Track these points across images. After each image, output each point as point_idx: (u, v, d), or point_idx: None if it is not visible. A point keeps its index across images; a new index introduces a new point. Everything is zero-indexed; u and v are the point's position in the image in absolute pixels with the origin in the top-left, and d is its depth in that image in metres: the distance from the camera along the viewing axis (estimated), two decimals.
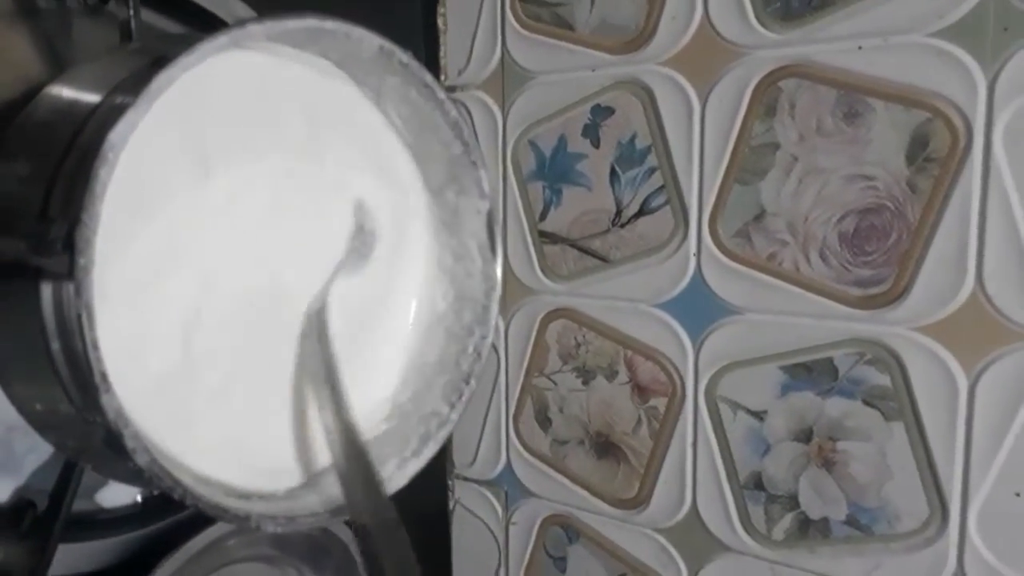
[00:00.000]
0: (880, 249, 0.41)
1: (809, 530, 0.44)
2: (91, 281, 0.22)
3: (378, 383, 0.33)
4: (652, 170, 0.49)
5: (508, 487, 0.58)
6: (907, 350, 0.41)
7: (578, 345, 0.53)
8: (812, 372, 0.44)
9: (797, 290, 0.44)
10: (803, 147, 0.43)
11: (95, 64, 0.30)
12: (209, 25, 0.39)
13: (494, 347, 0.55)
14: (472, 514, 0.59)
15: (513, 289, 0.55)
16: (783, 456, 0.45)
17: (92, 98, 0.26)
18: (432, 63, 0.57)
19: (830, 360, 0.43)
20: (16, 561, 0.31)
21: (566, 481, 0.54)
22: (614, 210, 0.51)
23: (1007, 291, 0.38)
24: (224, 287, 0.29)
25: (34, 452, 0.33)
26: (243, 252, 0.30)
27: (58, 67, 0.34)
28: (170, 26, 0.38)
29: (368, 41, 0.28)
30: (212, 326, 0.28)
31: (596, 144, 0.51)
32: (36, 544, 0.30)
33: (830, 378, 0.43)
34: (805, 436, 0.44)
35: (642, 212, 0.50)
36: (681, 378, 0.48)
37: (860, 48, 0.41)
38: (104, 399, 0.22)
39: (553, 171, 0.53)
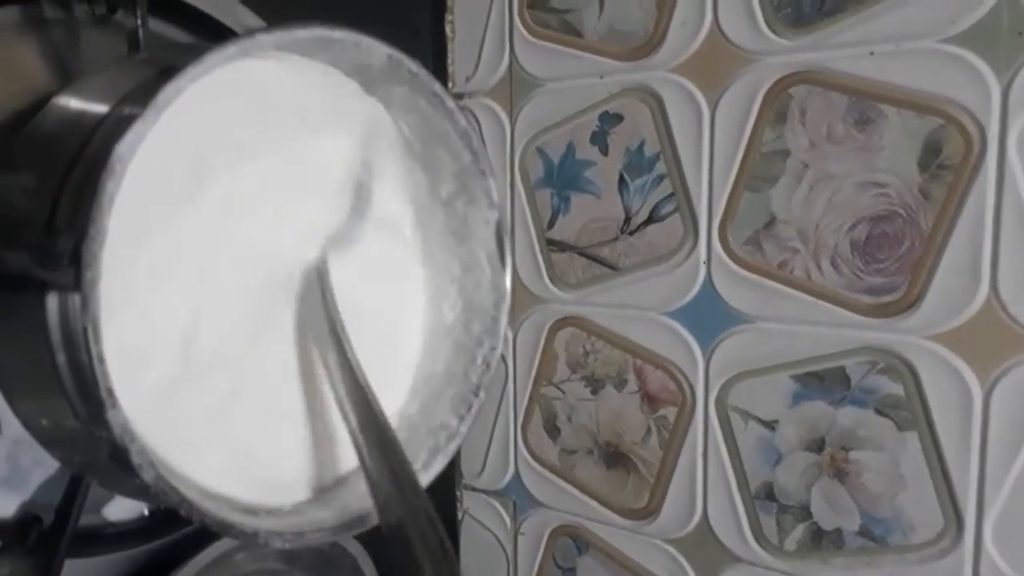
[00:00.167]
0: (892, 257, 0.41)
1: (822, 541, 0.44)
2: (98, 295, 0.22)
3: (386, 395, 0.32)
4: (661, 177, 0.49)
5: (516, 497, 0.57)
6: (920, 359, 0.40)
7: (587, 354, 0.53)
8: (824, 381, 0.43)
9: (808, 298, 0.43)
10: (814, 154, 0.43)
11: (102, 74, 0.30)
12: (216, 33, 0.39)
13: (502, 356, 0.54)
14: (480, 524, 0.59)
15: (521, 297, 0.55)
16: (795, 466, 0.45)
17: (99, 109, 0.26)
18: (440, 70, 0.57)
19: (842, 369, 0.43)
20: None
21: (575, 491, 0.54)
22: (623, 218, 0.51)
23: (1022, 299, 0.37)
24: (225, 295, 0.28)
25: (40, 466, 0.33)
26: (244, 258, 0.29)
27: (65, 77, 0.34)
28: (178, 35, 0.38)
29: (377, 50, 0.27)
30: (213, 335, 0.28)
31: (604, 151, 0.51)
32: (42, 560, 0.30)
33: (842, 387, 0.43)
34: (817, 446, 0.44)
35: (651, 220, 0.49)
36: (691, 387, 0.48)
37: (872, 54, 0.41)
38: (110, 414, 0.22)
39: (561, 178, 0.53)
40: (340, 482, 0.31)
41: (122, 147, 0.22)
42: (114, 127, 0.24)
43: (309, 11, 0.46)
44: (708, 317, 0.47)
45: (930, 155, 0.40)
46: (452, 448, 0.31)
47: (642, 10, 0.49)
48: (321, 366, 0.29)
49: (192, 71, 0.24)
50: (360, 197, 0.32)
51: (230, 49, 0.25)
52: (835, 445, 0.43)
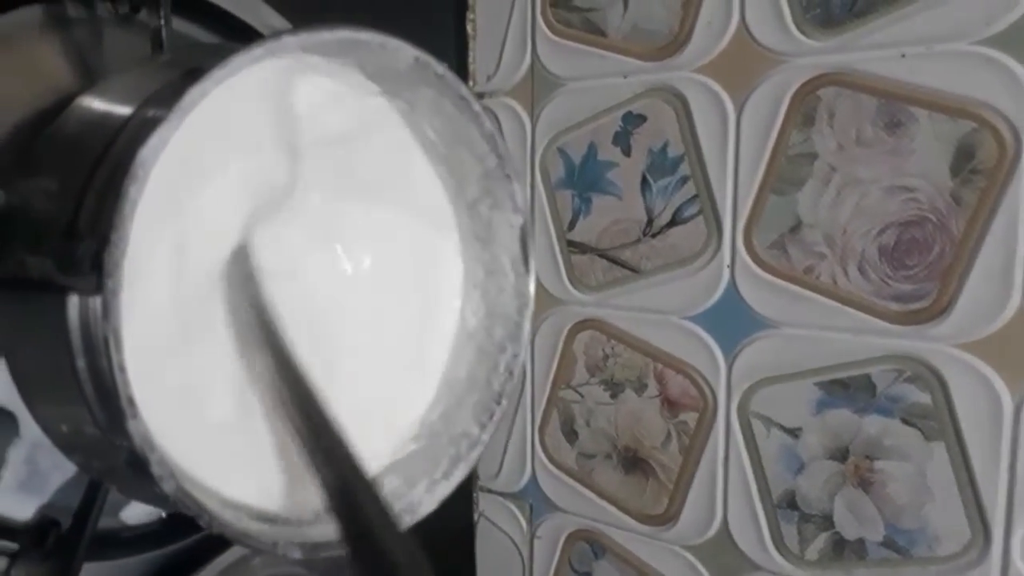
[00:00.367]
0: (922, 263, 0.40)
1: (844, 551, 0.43)
2: (119, 303, 0.21)
3: (408, 402, 0.32)
4: (685, 179, 0.48)
5: (533, 500, 0.57)
6: (949, 368, 0.39)
7: (606, 357, 0.52)
8: (849, 389, 0.43)
9: (835, 304, 0.43)
10: (842, 157, 0.42)
11: (126, 75, 0.29)
12: (239, 32, 0.39)
13: None
14: (496, 527, 0.59)
15: (540, 299, 0.54)
16: (818, 474, 0.44)
17: (123, 111, 0.26)
18: (461, 69, 0.57)
19: (868, 377, 0.42)
20: None
21: (593, 496, 0.53)
22: (645, 220, 0.50)
23: None
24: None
25: (59, 469, 0.33)
26: (268, 266, 0.29)
27: (88, 77, 0.34)
28: (201, 34, 0.38)
29: (403, 52, 0.27)
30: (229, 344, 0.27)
31: (627, 152, 0.50)
32: (60, 564, 0.30)
33: (868, 395, 0.42)
34: (841, 454, 0.43)
35: (674, 222, 0.49)
36: (713, 393, 0.47)
37: (903, 56, 0.40)
38: (131, 424, 0.21)
39: (583, 179, 0.53)
40: None
41: (145, 152, 0.22)
42: (138, 130, 0.23)
43: (329, 9, 0.45)
44: (731, 322, 0.46)
45: (962, 160, 0.39)
46: (474, 457, 0.30)
47: (667, 9, 0.48)
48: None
49: (217, 73, 0.23)
50: (387, 197, 0.31)
51: (256, 51, 0.24)
52: (859, 454, 0.42)
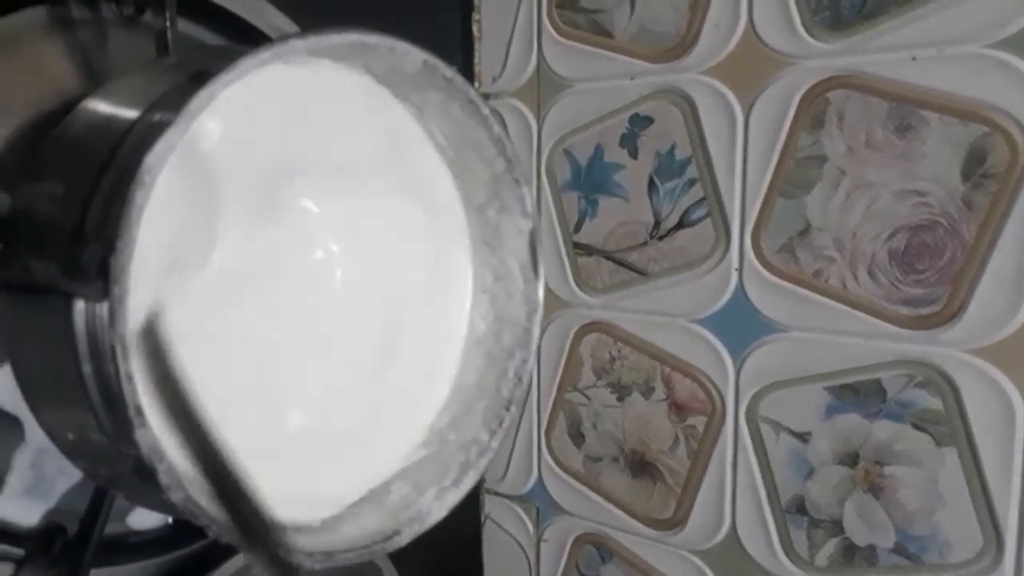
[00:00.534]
0: (932, 267, 0.40)
1: (854, 557, 0.43)
2: (126, 311, 0.21)
3: (417, 407, 0.32)
4: (692, 182, 0.48)
5: (540, 503, 0.56)
6: (960, 373, 0.39)
7: (613, 360, 0.52)
8: (859, 394, 0.42)
9: (844, 308, 0.42)
10: (852, 160, 0.42)
11: (131, 78, 0.29)
12: (245, 34, 0.39)
13: None
14: (503, 530, 0.58)
15: (547, 301, 0.53)
16: (827, 480, 0.44)
17: (129, 114, 0.26)
18: (467, 70, 0.56)
19: (878, 381, 0.42)
20: None
21: (599, 499, 0.53)
22: (652, 222, 0.50)
23: None
24: (258, 309, 0.28)
25: (65, 475, 0.32)
26: (277, 272, 0.29)
27: (93, 79, 0.33)
28: (207, 36, 0.37)
29: (412, 56, 0.27)
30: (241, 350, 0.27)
31: (634, 154, 0.50)
32: (66, 570, 0.30)
33: (878, 400, 0.42)
34: (851, 460, 0.43)
35: (681, 225, 0.48)
36: (721, 397, 0.47)
37: (914, 59, 0.40)
38: (139, 434, 0.21)
39: (589, 181, 0.52)
40: (371, 495, 0.30)
41: (152, 157, 0.22)
42: (144, 135, 0.23)
43: (335, 10, 0.45)
44: (739, 325, 0.46)
45: (973, 164, 0.38)
46: (483, 464, 0.30)
47: (674, 11, 0.48)
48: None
49: (224, 77, 0.23)
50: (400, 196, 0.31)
51: (263, 54, 0.24)
52: (869, 459, 0.42)
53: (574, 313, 0.54)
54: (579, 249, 0.53)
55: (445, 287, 0.33)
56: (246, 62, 0.24)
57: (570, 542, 0.55)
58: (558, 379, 0.55)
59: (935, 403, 0.40)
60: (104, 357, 0.22)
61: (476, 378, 0.32)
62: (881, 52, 0.41)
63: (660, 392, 0.50)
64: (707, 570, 0.48)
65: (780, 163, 0.44)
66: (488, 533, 0.59)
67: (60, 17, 0.34)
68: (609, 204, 0.51)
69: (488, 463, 0.30)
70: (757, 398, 0.46)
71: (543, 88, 0.54)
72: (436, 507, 0.29)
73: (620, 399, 0.52)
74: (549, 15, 0.53)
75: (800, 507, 0.45)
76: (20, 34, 0.33)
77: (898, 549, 0.41)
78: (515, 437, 0.57)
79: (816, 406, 0.44)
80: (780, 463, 0.45)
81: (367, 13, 0.43)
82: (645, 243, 0.50)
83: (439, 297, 0.32)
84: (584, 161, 0.52)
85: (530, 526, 0.57)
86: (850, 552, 0.43)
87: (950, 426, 0.40)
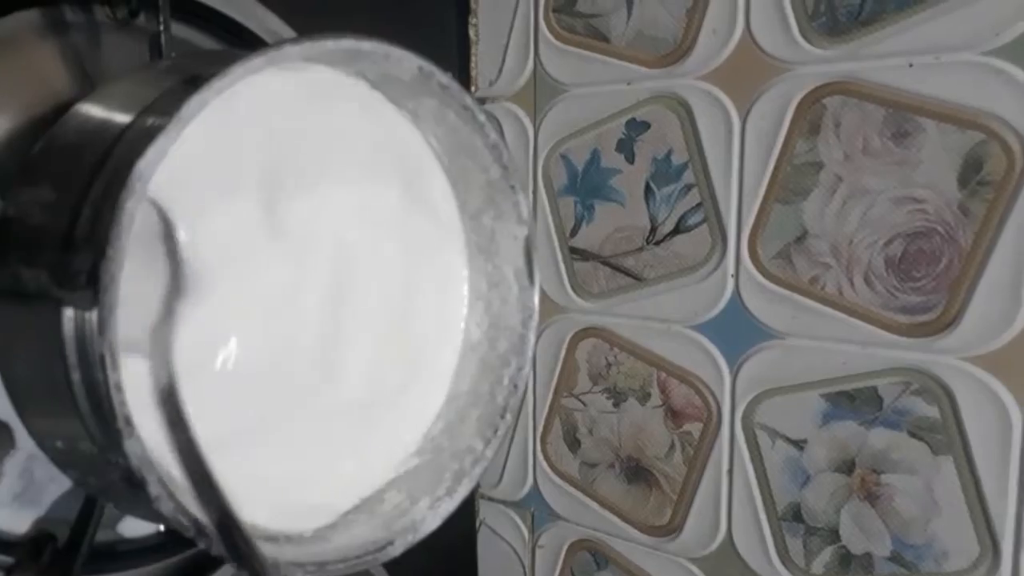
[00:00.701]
0: (929, 275, 0.40)
1: (851, 565, 0.43)
2: (115, 320, 0.21)
3: (411, 415, 0.32)
4: (689, 187, 0.48)
5: (535, 509, 0.56)
6: (957, 381, 0.39)
7: (609, 366, 0.52)
8: (855, 401, 0.42)
9: (840, 315, 0.42)
10: (848, 167, 0.42)
11: (124, 82, 0.29)
12: (239, 37, 0.38)
13: None
14: (498, 536, 0.58)
15: (543, 306, 0.54)
16: (824, 487, 0.43)
17: (121, 119, 0.25)
18: (463, 74, 0.56)
19: (874, 389, 0.41)
20: None
21: (595, 505, 0.53)
22: (648, 227, 0.50)
23: None
24: (250, 317, 0.28)
25: (55, 482, 0.32)
26: (269, 280, 0.29)
27: (86, 83, 0.33)
28: (201, 40, 0.37)
29: (407, 62, 0.26)
30: (237, 358, 0.27)
31: (631, 159, 0.50)
32: None
33: (874, 408, 0.42)
34: (847, 467, 0.43)
35: (678, 230, 0.48)
36: (717, 403, 0.47)
37: (911, 66, 0.39)
38: (128, 444, 0.21)
39: (585, 186, 0.52)
40: (364, 504, 0.30)
41: (143, 164, 0.22)
42: (135, 142, 0.23)
43: (331, 13, 0.45)
44: (735, 332, 0.46)
45: (970, 171, 0.38)
46: (478, 472, 0.30)
47: (671, 16, 0.47)
48: None
49: (217, 83, 0.23)
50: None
51: (257, 60, 0.24)
52: (866, 467, 0.42)
53: (570, 318, 0.53)
54: (575, 254, 0.53)
55: (441, 294, 0.32)
56: (239, 68, 0.23)
57: (565, 548, 0.55)
58: (554, 384, 0.55)
59: (931, 411, 0.40)
60: (93, 366, 0.22)
61: (470, 385, 0.32)
62: (878, 59, 0.40)
63: (656, 398, 0.50)
64: None
65: (777, 169, 0.44)
66: (483, 539, 0.59)
67: (54, 20, 0.34)
68: (606, 209, 0.51)
69: (483, 472, 0.30)
70: (753, 405, 0.45)
71: (540, 92, 0.54)
72: (430, 516, 0.29)
73: (616, 405, 0.52)
74: (546, 19, 0.53)
75: (796, 515, 0.44)
76: (13, 37, 0.33)
77: (894, 557, 0.41)
78: (511, 443, 0.57)
79: (812, 413, 0.43)
80: (776, 470, 0.45)
81: (364, 17, 0.43)
82: (641, 248, 0.50)
83: (434, 304, 0.32)
84: (581, 166, 0.52)
85: (525, 532, 0.57)
86: (846, 560, 0.43)
87: (946, 434, 0.39)
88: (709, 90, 0.46)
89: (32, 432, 0.28)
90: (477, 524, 0.59)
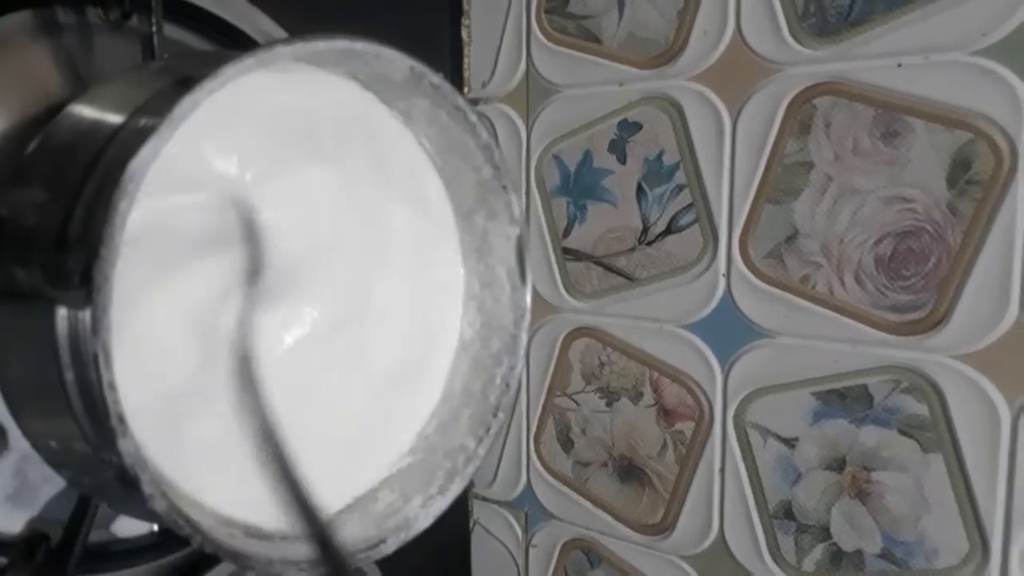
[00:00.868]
0: (919, 274, 0.40)
1: (842, 562, 0.43)
2: (109, 319, 0.21)
3: (404, 414, 0.32)
4: (680, 187, 0.48)
5: (529, 509, 0.56)
6: (946, 379, 0.39)
7: (602, 365, 0.52)
8: (846, 399, 0.42)
9: (831, 314, 0.42)
10: (838, 167, 0.42)
11: (117, 83, 0.29)
12: (232, 38, 0.39)
13: None
14: (491, 535, 0.58)
15: (535, 306, 0.54)
16: (815, 485, 0.44)
17: (114, 120, 0.25)
18: (456, 75, 0.56)
19: (865, 387, 0.42)
20: None
21: (588, 504, 0.53)
22: (640, 228, 0.50)
23: None
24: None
25: (49, 482, 0.32)
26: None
27: (79, 84, 0.33)
28: (193, 41, 0.37)
29: (399, 62, 0.27)
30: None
31: (623, 160, 0.50)
32: None
33: (865, 406, 0.42)
34: (838, 465, 0.43)
35: (670, 230, 0.48)
36: (709, 402, 0.47)
37: (899, 66, 0.40)
38: (121, 442, 0.21)
39: (578, 187, 0.52)
40: (357, 503, 0.30)
41: (135, 164, 0.22)
42: (128, 142, 0.23)
43: (324, 13, 0.45)
44: (727, 331, 0.46)
45: (959, 170, 0.39)
46: (470, 471, 0.30)
47: (663, 18, 0.48)
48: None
49: (208, 84, 0.23)
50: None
51: (248, 61, 0.24)
52: (856, 465, 0.42)
53: (563, 318, 0.54)
54: (568, 254, 0.53)
55: (437, 294, 0.32)
56: (230, 68, 0.23)
57: (559, 548, 0.55)
58: (547, 384, 0.55)
59: (921, 409, 0.40)
60: (87, 365, 0.22)
61: (462, 385, 0.32)
62: (867, 59, 0.41)
63: (648, 397, 0.50)
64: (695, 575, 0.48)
65: (767, 169, 0.44)
66: (477, 539, 0.59)
67: (46, 21, 0.34)
68: (598, 209, 0.52)
69: (475, 470, 0.30)
70: (745, 403, 0.46)
71: (532, 93, 0.54)
72: (422, 515, 0.29)
73: (609, 404, 0.52)
74: (538, 21, 0.53)
75: (788, 512, 0.45)
76: (6, 38, 0.33)
77: (885, 555, 0.42)
78: (504, 442, 0.57)
79: (803, 411, 0.44)
80: (768, 468, 0.45)
81: (356, 19, 0.43)
82: (633, 248, 0.50)
83: (428, 304, 0.32)
84: (573, 166, 0.52)
85: (519, 532, 0.57)
86: (837, 558, 0.43)
87: (936, 432, 0.40)
88: (700, 91, 0.46)
89: (26, 432, 0.28)
90: (471, 524, 0.59)
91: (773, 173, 0.44)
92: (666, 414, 0.49)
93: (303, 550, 0.26)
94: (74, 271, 0.22)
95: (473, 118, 0.28)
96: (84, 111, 0.28)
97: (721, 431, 0.47)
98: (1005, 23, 0.37)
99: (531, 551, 0.56)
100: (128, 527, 0.35)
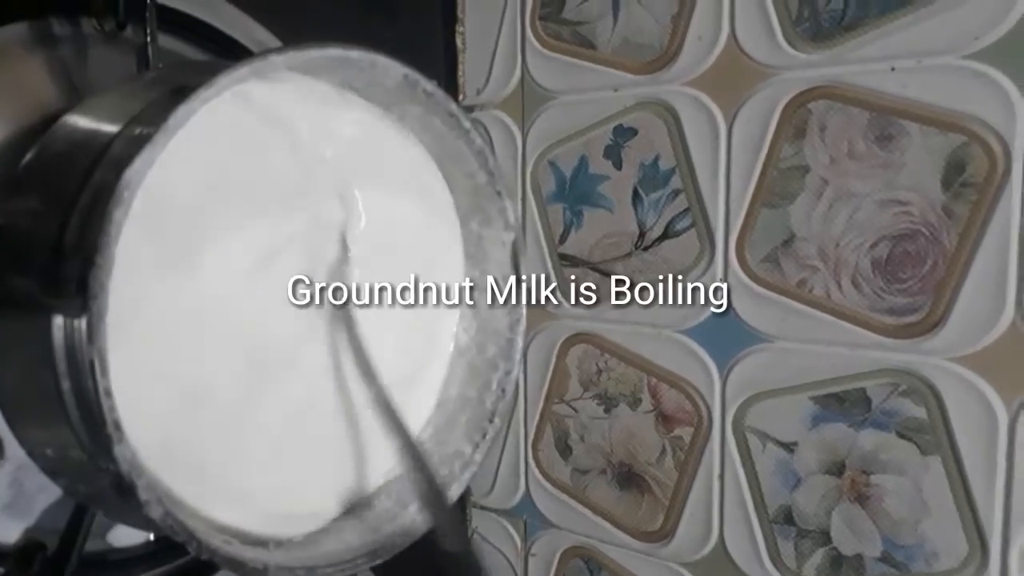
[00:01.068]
0: (915, 276, 0.40)
1: (842, 567, 0.43)
2: (104, 327, 0.21)
3: (409, 421, 0.32)
4: (676, 192, 0.48)
5: (528, 517, 0.56)
6: (944, 381, 0.39)
7: (600, 371, 0.52)
8: (844, 403, 0.42)
9: (828, 318, 0.42)
10: (834, 170, 0.42)
11: (112, 93, 0.29)
12: (226, 48, 0.39)
13: None
14: (490, 544, 0.58)
15: (532, 313, 0.54)
16: (814, 489, 0.44)
17: (109, 130, 0.26)
18: (450, 82, 0.56)
19: (863, 391, 0.42)
20: None
21: (587, 512, 0.53)
22: (637, 233, 0.50)
23: None
24: (239, 328, 0.28)
25: (45, 491, 0.32)
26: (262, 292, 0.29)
27: (74, 95, 0.33)
28: (188, 51, 0.37)
29: (393, 70, 0.27)
30: (226, 368, 0.27)
31: (618, 165, 0.50)
32: None
33: (863, 409, 0.42)
34: (837, 469, 0.43)
35: (666, 235, 0.49)
36: (708, 407, 0.47)
37: (893, 69, 0.40)
38: (117, 449, 0.21)
39: (574, 193, 0.52)
40: (354, 510, 0.30)
41: (130, 173, 0.22)
42: (123, 150, 0.23)
43: (318, 21, 0.45)
44: (725, 336, 0.46)
45: (953, 173, 0.39)
46: (467, 477, 0.30)
47: (657, 23, 0.48)
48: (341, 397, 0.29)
49: (203, 93, 0.23)
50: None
51: (242, 70, 0.24)
52: (855, 469, 0.42)
53: (560, 325, 0.54)
54: (565, 260, 0.53)
55: (433, 299, 0.32)
56: (225, 78, 0.24)
57: (558, 556, 0.55)
58: (545, 391, 0.55)
59: (919, 412, 0.40)
60: (83, 372, 0.22)
61: (458, 390, 0.32)
62: (861, 63, 0.41)
63: (647, 403, 0.50)
64: None
65: (763, 173, 0.44)
66: (475, 547, 0.59)
67: (42, 33, 0.34)
68: (594, 215, 0.52)
69: (471, 476, 0.30)
70: (743, 408, 0.46)
71: (527, 100, 0.54)
72: (419, 521, 0.29)
73: (607, 411, 0.52)
74: (533, 27, 0.53)
75: (787, 517, 0.45)
76: (1, 50, 0.33)
77: (885, 558, 0.41)
78: (502, 450, 0.57)
79: (802, 416, 0.44)
80: (767, 473, 0.45)
81: (349, 24, 0.43)
82: (630, 254, 0.50)
83: (426, 309, 0.32)
84: (569, 172, 0.53)
85: (518, 540, 0.57)
86: (838, 562, 0.43)
87: (934, 434, 0.40)
88: (695, 96, 0.46)
89: (22, 441, 0.28)
90: (469, 533, 0.59)
91: (769, 177, 0.44)
92: (665, 420, 0.49)
93: (299, 556, 0.26)
94: (70, 279, 0.22)
95: (467, 124, 0.28)
96: (80, 121, 0.28)
97: (720, 436, 0.47)
98: (997, 27, 0.37)
99: (530, 560, 0.56)
100: (124, 536, 0.35)
